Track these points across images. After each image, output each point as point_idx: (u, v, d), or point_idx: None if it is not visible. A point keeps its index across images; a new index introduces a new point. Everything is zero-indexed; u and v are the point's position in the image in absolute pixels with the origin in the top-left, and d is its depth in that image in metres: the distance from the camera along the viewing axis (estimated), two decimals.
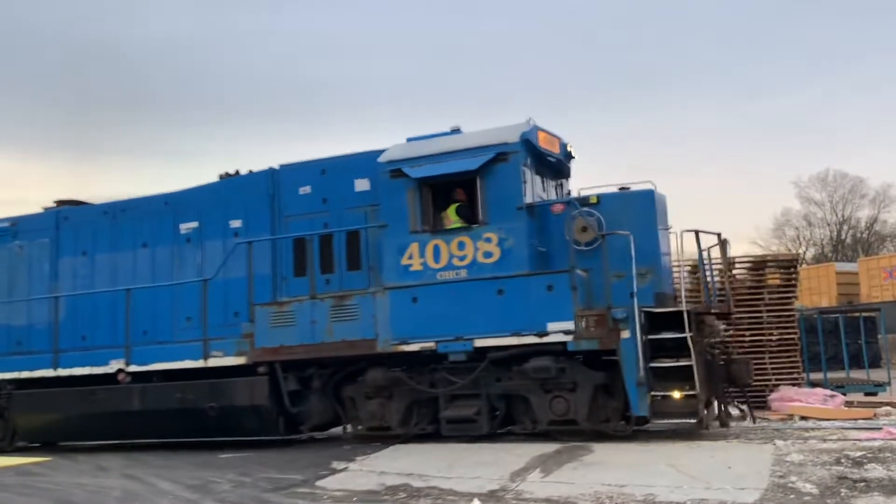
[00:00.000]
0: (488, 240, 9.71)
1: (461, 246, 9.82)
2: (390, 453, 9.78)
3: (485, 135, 10.13)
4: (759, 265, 14.47)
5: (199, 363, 10.95)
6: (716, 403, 9.97)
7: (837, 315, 19.79)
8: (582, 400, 9.30)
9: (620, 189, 10.01)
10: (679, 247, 9.81)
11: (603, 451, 8.86)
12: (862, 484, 6.52)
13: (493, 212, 9.71)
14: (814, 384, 14.11)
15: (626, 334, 8.94)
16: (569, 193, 11.06)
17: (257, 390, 10.59)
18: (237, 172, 12.00)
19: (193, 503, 7.23)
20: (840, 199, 61.03)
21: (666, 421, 9.00)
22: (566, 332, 9.20)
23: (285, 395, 10.54)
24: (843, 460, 7.48)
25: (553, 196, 10.89)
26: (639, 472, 7.44)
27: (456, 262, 9.83)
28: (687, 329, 8.75)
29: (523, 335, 9.39)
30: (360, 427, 10.48)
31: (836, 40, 75.73)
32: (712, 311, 9.97)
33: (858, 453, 7.77)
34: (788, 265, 14.54)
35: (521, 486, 7.21)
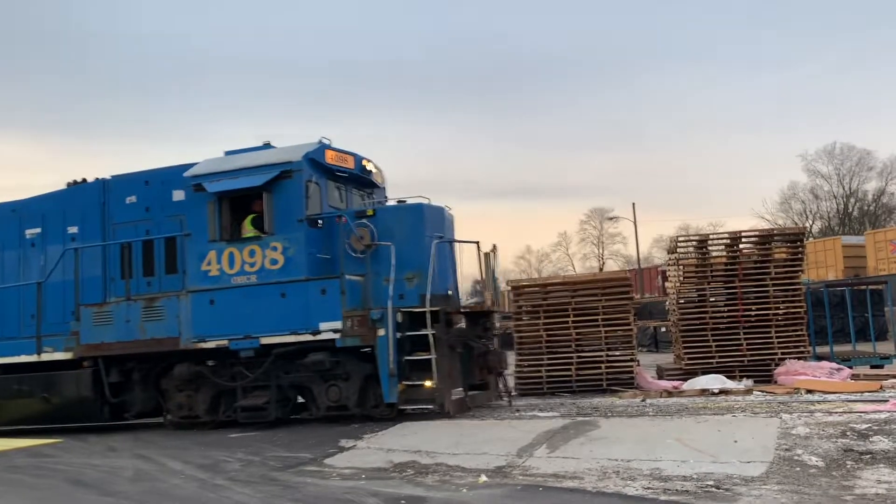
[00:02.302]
0: (274, 248, 10.83)
1: (252, 254, 10.95)
2: (398, 431, 9.86)
3: (274, 153, 11.32)
4: (765, 239, 14.43)
5: (34, 358, 12.08)
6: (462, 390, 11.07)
7: (844, 288, 19.74)
8: (353, 389, 10.61)
9: (398, 202, 11.54)
10: (458, 253, 11.55)
11: (609, 427, 8.91)
12: (867, 456, 6.54)
13: (278, 223, 10.81)
14: (820, 357, 14.12)
15: (381, 332, 10.24)
16: (380, 202, 12.21)
17: (82, 382, 11.75)
18: (84, 180, 12.88)
19: (204, 482, 7.29)
20: (847, 171, 60.73)
21: (414, 406, 10.43)
22: (335, 331, 10.45)
23: (106, 387, 11.67)
24: (848, 433, 7.50)
25: (357, 205, 12.01)
26: (645, 446, 7.48)
27: (247, 268, 10.95)
28: (429, 327, 10.07)
29: (300, 333, 10.63)
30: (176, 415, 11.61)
31: (846, 8, 74.84)
32: (462, 310, 11.04)
33: (864, 426, 7.79)
34: (795, 239, 14.50)
35: (529, 461, 7.25)
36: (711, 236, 15.13)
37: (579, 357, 13.50)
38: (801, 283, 14.29)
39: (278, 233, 10.78)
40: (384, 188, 12.90)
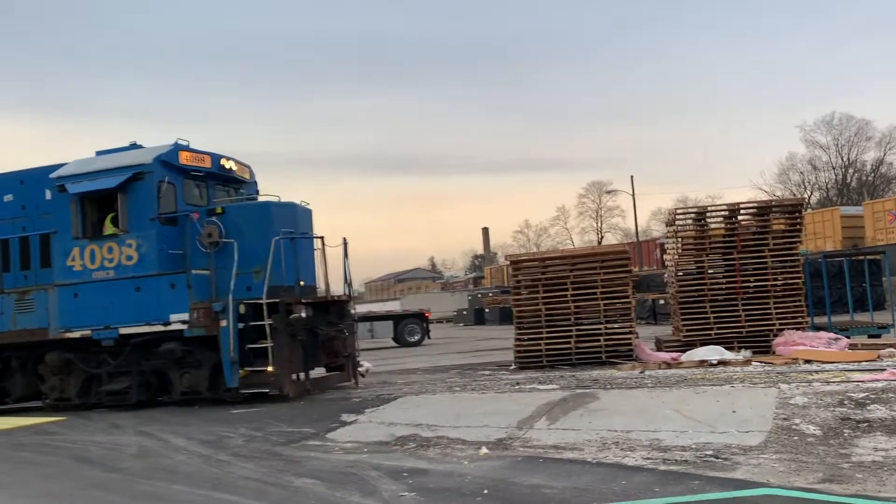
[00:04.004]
0: (129, 245, 11.58)
1: (110, 250, 11.70)
2: (399, 405, 9.93)
3: (129, 156, 11.97)
4: (763, 211, 14.42)
5: None
6: (303, 374, 11.71)
7: (842, 259, 19.77)
8: (204, 375, 11.45)
9: (248, 200, 12.52)
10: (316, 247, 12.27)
11: (609, 398, 8.97)
12: (865, 424, 6.60)
13: (133, 222, 11.55)
14: (818, 328, 14.17)
15: (224, 323, 10.99)
16: (250, 198, 12.88)
17: None
18: None
19: (208, 458, 7.35)
20: (846, 142, 60.48)
21: (253, 390, 11.30)
22: (183, 322, 11.28)
23: None
24: (846, 402, 7.57)
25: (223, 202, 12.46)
26: (644, 417, 7.55)
27: (106, 263, 11.71)
28: (265, 318, 10.80)
29: (153, 324, 11.45)
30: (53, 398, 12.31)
31: None
32: (302, 301, 11.48)
33: (861, 395, 7.85)
34: (793, 210, 14.49)
35: (529, 433, 7.32)
36: (710, 208, 15.13)
37: (578, 330, 13.56)
38: (800, 253, 14.31)
39: (133, 230, 11.53)
40: (254, 183, 13.59)
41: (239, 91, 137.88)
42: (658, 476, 5.39)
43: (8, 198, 12.77)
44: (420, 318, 29.04)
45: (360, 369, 13.03)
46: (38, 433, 10.00)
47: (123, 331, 11.56)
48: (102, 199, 11.79)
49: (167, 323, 11.36)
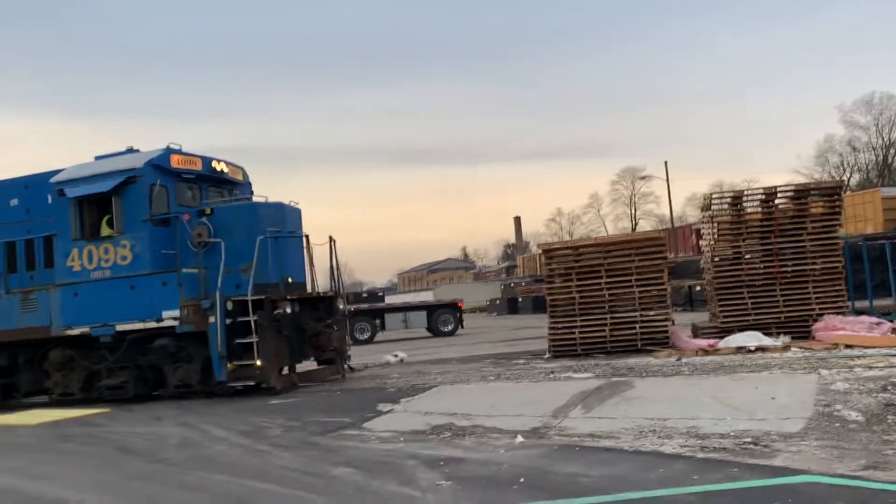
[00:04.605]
0: (124, 246, 12.09)
1: (107, 251, 12.22)
2: (434, 394, 9.98)
3: (122, 161, 12.46)
4: (801, 194, 14.14)
5: None
6: (288, 368, 12.47)
7: (884, 242, 19.28)
8: (195, 369, 11.89)
9: (235, 201, 12.89)
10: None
11: (645, 386, 8.92)
12: None
13: (127, 223, 12.05)
14: (859, 312, 13.89)
15: (212, 319, 11.41)
16: (239, 199, 13.24)
17: None
18: None
19: (247, 448, 7.48)
20: (886, 121, 58.91)
21: (241, 383, 11.81)
22: (175, 319, 11.74)
23: None
24: (889, 387, 7.41)
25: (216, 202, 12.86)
26: (681, 405, 7.48)
27: (103, 263, 12.23)
28: (250, 314, 11.25)
29: (147, 321, 11.94)
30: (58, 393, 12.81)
31: None
32: (287, 297, 11.79)
33: None
34: (832, 193, 14.19)
35: (564, 422, 7.31)
36: (746, 192, 14.86)
37: (613, 318, 13.47)
38: (839, 237, 14.02)
39: (127, 232, 12.06)
40: (248, 184, 14.05)
41: (267, 86, 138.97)
42: (696, 464, 5.34)
43: (14, 202, 13.34)
44: (453, 308, 29.11)
45: (351, 362, 13.68)
46: (83, 425, 10.26)
47: (120, 328, 12.07)
48: (99, 201, 12.27)
49: (160, 320, 11.85)
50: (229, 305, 11.46)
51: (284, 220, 12.56)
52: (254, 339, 11.30)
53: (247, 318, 11.31)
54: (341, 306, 13.45)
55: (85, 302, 12.27)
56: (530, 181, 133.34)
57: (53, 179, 12.72)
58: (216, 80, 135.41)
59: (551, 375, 10.88)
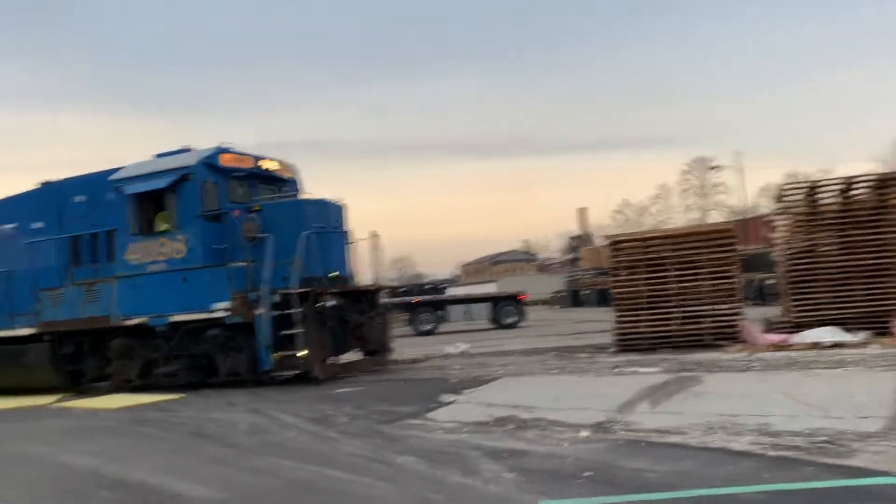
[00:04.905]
0: (178, 240, 12.68)
1: (162, 245, 12.84)
2: (497, 386, 10.00)
3: (176, 159, 13.05)
4: (881, 183, 13.52)
5: (9, 332, 14.31)
6: (332, 358, 12.83)
7: None
8: (244, 358, 12.36)
9: (281, 198, 13.37)
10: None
11: (714, 382, 8.73)
12: None
13: (181, 219, 12.67)
14: None
15: (259, 311, 11.93)
16: (294, 194, 13.91)
17: (41, 353, 13.96)
18: (48, 182, 14.57)
19: (315, 435, 7.66)
20: None
21: (287, 372, 12.31)
22: (224, 310, 12.32)
23: (60, 357, 13.88)
24: None
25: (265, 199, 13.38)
26: (752, 401, 7.29)
27: (159, 257, 12.84)
28: (296, 306, 11.64)
29: (199, 312, 12.49)
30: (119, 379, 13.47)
31: None
32: (330, 290, 12.34)
33: None
34: None
35: (630, 417, 7.21)
36: (822, 182, 14.30)
37: (681, 312, 13.20)
38: None
39: (181, 227, 12.66)
40: (295, 181, 14.50)
41: (331, 78, 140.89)
42: (767, 462, 5.21)
43: (80, 198, 14.01)
44: (516, 300, 29.02)
45: (414, 355, 14.32)
46: (159, 410, 10.69)
47: (173, 318, 12.69)
48: (155, 198, 12.90)
49: (210, 311, 12.44)
50: (275, 298, 11.91)
51: (329, 216, 13.09)
52: (298, 330, 11.71)
53: (291, 311, 11.73)
54: (383, 299, 13.91)
55: (142, 293, 12.93)
56: (595, 172, 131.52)
57: (113, 177, 13.40)
58: (287, 75, 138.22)
59: (616, 369, 10.75)
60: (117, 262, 13.25)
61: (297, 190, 14.33)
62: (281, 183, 14.14)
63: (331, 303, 12.09)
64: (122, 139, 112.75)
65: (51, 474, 6.77)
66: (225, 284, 12.35)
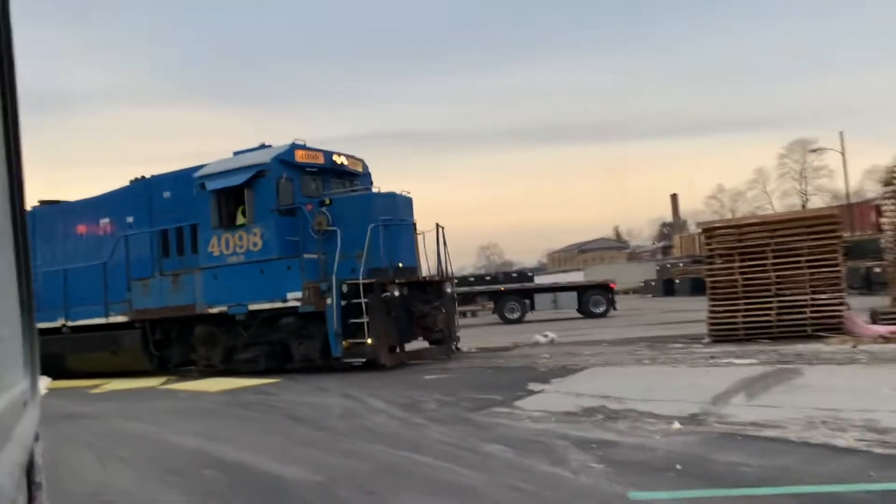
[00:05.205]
0: (255, 233, 13.36)
1: (240, 238, 13.52)
2: (586, 376, 9.89)
3: (253, 156, 13.71)
4: None
5: (104, 320, 15.29)
6: (398, 346, 13.52)
7: None
8: (316, 345, 13.02)
9: (351, 192, 13.84)
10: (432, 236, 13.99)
11: (815, 375, 8.35)
12: None
13: (257, 213, 13.32)
14: None
15: (329, 301, 12.52)
16: (364, 188, 14.32)
17: (133, 339, 14.97)
18: (143, 177, 15.66)
19: (405, 421, 7.79)
20: None
21: (354, 359, 12.96)
22: (297, 300, 12.92)
23: (150, 343, 14.85)
24: None
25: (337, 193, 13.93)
26: (857, 396, 6.94)
27: (238, 249, 13.53)
28: (362, 296, 12.23)
29: (274, 302, 13.16)
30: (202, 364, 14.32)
31: None
32: (395, 281, 12.78)
33: None
34: None
35: (725, 409, 6.99)
36: None
37: (780, 301, 12.67)
38: None
39: (257, 221, 13.32)
40: (367, 175, 15.10)
41: (423, 69, 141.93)
42: (874, 459, 4.94)
43: (166, 194, 14.92)
44: (605, 289, 28.57)
45: (457, 343, 14.67)
46: (257, 393, 11.13)
47: (251, 307, 13.43)
48: (234, 193, 13.60)
49: (285, 300, 13.05)
50: (344, 288, 12.49)
51: (396, 209, 13.58)
52: (364, 319, 12.25)
53: (359, 301, 12.30)
54: (449, 290, 14.41)
55: (223, 284, 13.68)
56: (688, 157, 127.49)
57: (196, 174, 14.19)
58: (381, 68, 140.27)
59: (711, 360, 10.44)
60: (201, 254, 14.04)
61: (368, 183, 14.86)
62: (352, 177, 14.69)
63: (396, 293, 12.59)
64: (231, 132, 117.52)
65: (157, 452, 7.17)
66: (298, 275, 12.93)
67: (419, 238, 14.23)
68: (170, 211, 14.81)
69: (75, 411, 10.38)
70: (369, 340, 12.34)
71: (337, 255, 12.49)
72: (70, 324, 15.65)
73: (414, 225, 14.09)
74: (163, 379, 14.19)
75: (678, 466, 5.13)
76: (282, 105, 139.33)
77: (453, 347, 14.50)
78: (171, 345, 14.97)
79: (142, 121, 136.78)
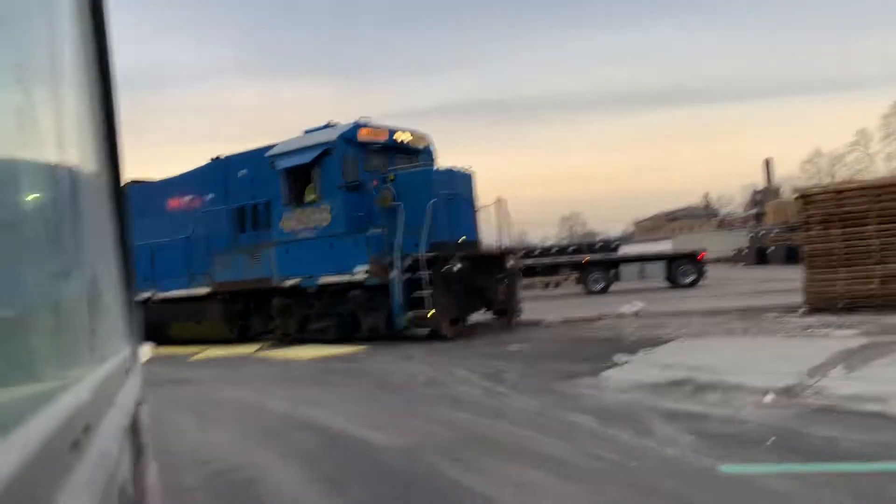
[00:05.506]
0: (323, 210, 13.89)
1: (310, 214, 14.06)
2: (674, 347, 9.69)
3: (320, 135, 14.18)
4: None
5: (187, 292, 16.26)
6: (459, 318, 13.80)
7: None
8: (382, 316, 13.50)
9: (414, 167, 14.00)
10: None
11: None
12: None
13: (325, 190, 13.85)
14: None
15: (393, 274, 12.93)
16: (425, 164, 14.51)
17: (216, 310, 15.93)
18: (218, 157, 16.21)
19: (488, 390, 7.86)
20: None
21: (419, 330, 13.28)
22: (364, 273, 13.41)
23: (230, 314, 15.82)
24: None
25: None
26: None
27: (308, 225, 14.12)
28: (423, 270, 12.66)
29: (343, 275, 13.67)
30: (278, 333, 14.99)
31: None
32: (456, 255, 12.95)
33: None
34: None
35: (822, 382, 6.71)
36: None
37: (884, 270, 11.99)
38: None
39: (325, 197, 13.84)
40: (430, 151, 15.38)
41: (509, 35, 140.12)
42: None
43: (243, 172, 15.54)
44: (693, 258, 27.72)
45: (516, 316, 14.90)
46: (345, 361, 11.47)
47: (321, 280, 14.01)
48: (303, 171, 14.13)
49: (352, 274, 13.56)
50: (407, 262, 12.90)
51: (456, 184, 13.94)
52: (426, 292, 12.59)
53: (422, 274, 12.67)
54: (510, 263, 14.65)
55: (294, 258, 14.27)
56: (782, 120, 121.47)
57: (268, 153, 14.76)
58: (470, 35, 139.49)
59: (807, 331, 10.03)
60: (274, 229, 14.67)
61: (431, 159, 15.19)
62: (415, 153, 15.01)
63: (457, 266, 12.84)
64: (327, 105, 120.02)
65: (252, 416, 7.51)
66: (364, 250, 13.43)
67: (483, 212, 14.58)
68: (245, 188, 15.44)
69: (177, 377, 10.98)
70: (431, 312, 12.67)
71: (401, 230, 12.89)
72: (158, 296, 16.66)
73: (475, 199, 14.47)
74: (256, 346, 14.79)
75: (772, 440, 4.98)
76: (371, 77, 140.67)
77: (514, 320, 14.84)
78: (250, 315, 15.78)
79: (230, 97, 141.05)
